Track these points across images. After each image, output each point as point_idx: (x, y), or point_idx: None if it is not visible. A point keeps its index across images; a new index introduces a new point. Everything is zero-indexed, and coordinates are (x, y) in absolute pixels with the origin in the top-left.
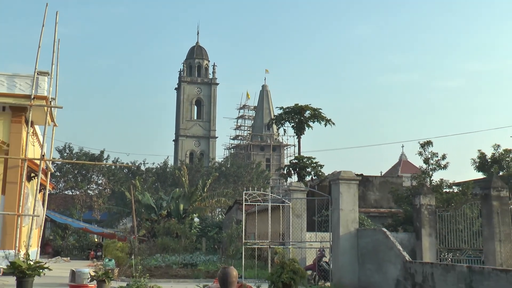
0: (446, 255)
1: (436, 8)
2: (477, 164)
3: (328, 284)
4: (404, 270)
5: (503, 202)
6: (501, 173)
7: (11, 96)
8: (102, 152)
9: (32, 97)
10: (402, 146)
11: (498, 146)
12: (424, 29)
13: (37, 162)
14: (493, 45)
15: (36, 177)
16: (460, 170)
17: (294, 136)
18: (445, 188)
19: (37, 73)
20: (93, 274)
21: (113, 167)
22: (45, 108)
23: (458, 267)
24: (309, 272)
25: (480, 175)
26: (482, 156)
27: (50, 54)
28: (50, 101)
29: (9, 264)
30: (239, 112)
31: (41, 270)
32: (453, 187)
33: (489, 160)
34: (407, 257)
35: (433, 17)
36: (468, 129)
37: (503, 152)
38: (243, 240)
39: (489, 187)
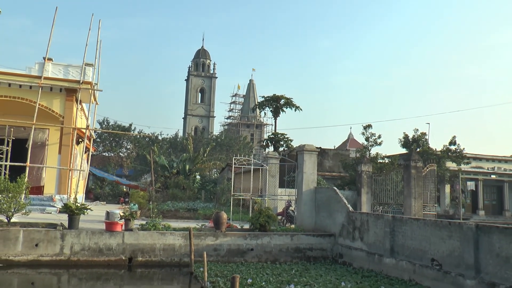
0: (378, 207)
1: (376, 28)
2: (402, 143)
3: (292, 226)
4: (348, 217)
5: (418, 171)
6: (418, 150)
7: (65, 81)
8: (130, 125)
9: (81, 82)
10: (350, 128)
11: (417, 130)
12: (368, 43)
13: (83, 130)
14: (414, 56)
15: (82, 142)
16: (390, 147)
17: (272, 118)
18: (379, 159)
19: (85, 64)
20: (122, 214)
21: (138, 136)
22: (90, 90)
23: (386, 216)
24: (279, 217)
25: (404, 151)
26: (405, 137)
27: (94, 51)
28: (94, 86)
29: (63, 205)
30: (232, 99)
31: (85, 210)
32: (385, 158)
33: (410, 139)
34: (350, 208)
35: (374, 35)
36: (397, 116)
37: (420, 134)
38: (232, 193)
39: (409, 159)
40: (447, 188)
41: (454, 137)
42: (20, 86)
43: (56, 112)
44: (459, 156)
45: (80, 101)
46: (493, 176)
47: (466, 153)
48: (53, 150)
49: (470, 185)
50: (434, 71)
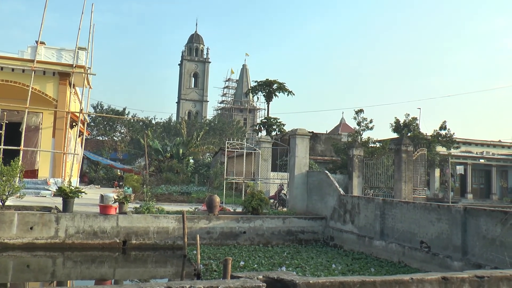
0: (368, 191)
1: (368, 14)
2: (393, 127)
3: (285, 209)
4: (339, 201)
5: (409, 155)
6: (409, 134)
7: (59, 65)
8: (124, 109)
9: (74, 66)
10: (342, 112)
11: (408, 114)
12: (360, 28)
13: (77, 114)
14: (406, 42)
15: (76, 126)
16: (382, 131)
17: (264, 102)
18: (371, 144)
19: (78, 48)
20: (116, 197)
21: (132, 120)
22: (83, 74)
23: (376, 199)
24: (271, 200)
25: (395, 135)
26: (397, 121)
27: (87, 35)
28: (87, 70)
29: (57, 188)
30: (225, 83)
31: (79, 194)
32: (376, 143)
33: (401, 124)
34: (342, 191)
35: (366, 21)
36: (389, 101)
37: (411, 119)
38: (225, 176)
39: (400, 144)
40: (437, 172)
41: (445, 122)
42: (13, 69)
43: (49, 96)
44: (449, 141)
45: (74, 85)
46: (481, 161)
47: (456, 138)
48: (47, 134)
49: (459, 169)
50: (426, 57)
